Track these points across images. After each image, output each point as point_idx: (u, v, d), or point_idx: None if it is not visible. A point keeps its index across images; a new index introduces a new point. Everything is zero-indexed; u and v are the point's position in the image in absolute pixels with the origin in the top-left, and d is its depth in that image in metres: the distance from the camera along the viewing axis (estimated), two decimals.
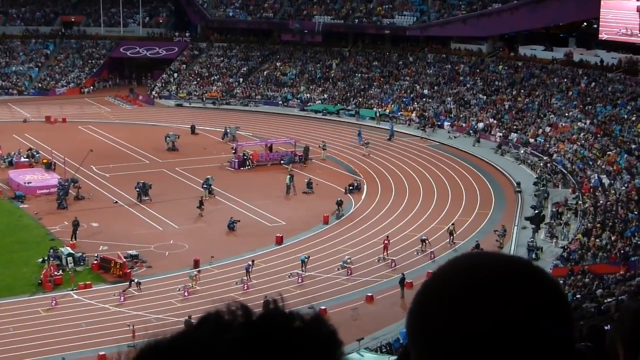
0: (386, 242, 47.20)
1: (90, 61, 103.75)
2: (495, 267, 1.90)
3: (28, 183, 58.86)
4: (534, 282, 1.89)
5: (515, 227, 51.23)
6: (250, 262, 44.16)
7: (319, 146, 68.61)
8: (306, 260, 44.87)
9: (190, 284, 42.69)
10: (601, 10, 74.72)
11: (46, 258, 44.96)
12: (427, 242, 47.76)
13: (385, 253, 46.66)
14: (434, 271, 1.99)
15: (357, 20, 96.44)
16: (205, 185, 57.84)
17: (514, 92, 78.70)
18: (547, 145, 66.47)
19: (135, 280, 42.88)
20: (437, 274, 1.96)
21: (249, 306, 1.91)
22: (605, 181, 55.15)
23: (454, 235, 49.12)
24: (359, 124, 79.76)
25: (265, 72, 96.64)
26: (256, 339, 1.83)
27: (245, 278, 43.13)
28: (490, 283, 1.87)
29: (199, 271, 43.82)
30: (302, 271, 44.33)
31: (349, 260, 45.45)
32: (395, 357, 31.55)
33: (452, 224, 50.30)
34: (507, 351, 1.83)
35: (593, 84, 73.88)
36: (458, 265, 1.94)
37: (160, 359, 1.85)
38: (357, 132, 74.62)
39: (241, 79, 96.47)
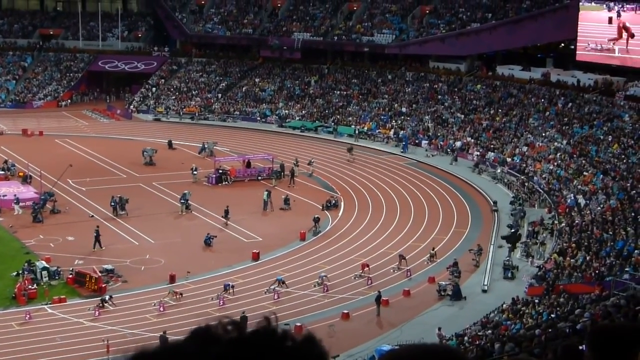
0: (364, 263, 47.16)
1: (68, 74, 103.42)
2: None
3: (3, 196, 58.48)
4: None
5: (492, 246, 51.36)
6: (229, 284, 43.80)
7: (293, 163, 68.38)
8: (282, 280, 44.67)
9: (167, 299, 42.47)
10: (579, 23, 74.71)
11: (21, 272, 44.63)
12: (404, 259, 47.79)
13: (362, 271, 46.67)
14: None
15: (336, 38, 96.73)
16: (182, 201, 57.72)
17: (492, 112, 79.09)
18: (524, 165, 66.79)
19: (107, 297, 42.42)
20: None
21: (241, 322, 1.91)
22: (581, 201, 55.42)
23: (434, 256, 49.14)
24: (338, 140, 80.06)
25: (244, 88, 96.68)
26: (240, 354, 1.83)
27: (222, 294, 42.95)
28: None
29: (181, 294, 43.29)
30: (280, 288, 44.19)
31: (325, 276, 45.37)
32: None
33: (434, 250, 49.98)
34: None
35: (570, 104, 74.34)
36: None
37: None
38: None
39: (220, 95, 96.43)
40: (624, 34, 71.49)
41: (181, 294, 43.13)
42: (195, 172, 65.73)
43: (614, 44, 72.33)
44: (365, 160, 73.21)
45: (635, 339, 2.79)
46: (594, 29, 73.66)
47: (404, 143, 76.81)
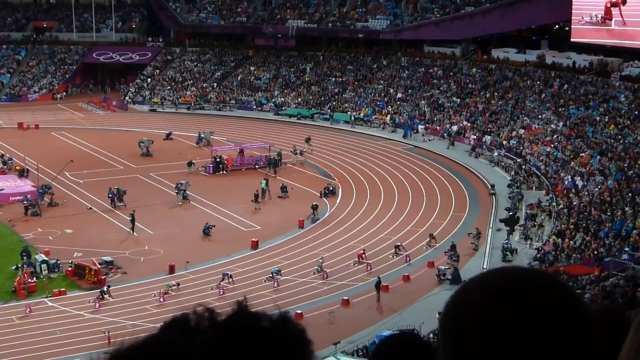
0: (361, 253, 47.11)
1: (62, 67, 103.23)
2: (520, 276, 2.03)
3: (0, 190, 58.45)
4: (552, 292, 1.99)
5: (490, 229, 51.42)
6: (227, 273, 43.86)
7: (291, 151, 68.52)
8: (277, 270, 44.55)
9: (165, 290, 42.49)
10: None
11: (20, 265, 44.64)
12: (401, 247, 47.85)
13: (358, 259, 46.64)
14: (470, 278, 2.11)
15: (330, 24, 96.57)
16: (177, 190, 57.67)
17: (488, 95, 79.03)
18: (521, 148, 66.77)
19: (105, 287, 42.42)
20: (471, 279, 2.07)
21: (214, 309, 1.93)
22: (579, 183, 55.45)
23: (434, 238, 49.24)
24: (335, 127, 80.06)
25: (239, 77, 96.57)
26: (225, 339, 1.84)
27: (222, 284, 42.94)
28: (512, 289, 1.99)
29: (178, 284, 43.28)
30: (278, 276, 44.19)
31: (322, 262, 45.36)
32: None
33: (434, 235, 50.01)
34: (515, 351, 1.92)
35: (566, 86, 74.30)
36: (489, 272, 2.06)
37: None
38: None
39: (215, 84, 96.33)
40: (615, 8, 68.99)
41: (178, 284, 43.16)
42: (194, 168, 65.32)
43: (603, 18, 69.44)
44: (362, 147, 73.16)
45: (621, 323, 2.79)
46: (589, 0, 71.01)
47: (404, 128, 76.64)
